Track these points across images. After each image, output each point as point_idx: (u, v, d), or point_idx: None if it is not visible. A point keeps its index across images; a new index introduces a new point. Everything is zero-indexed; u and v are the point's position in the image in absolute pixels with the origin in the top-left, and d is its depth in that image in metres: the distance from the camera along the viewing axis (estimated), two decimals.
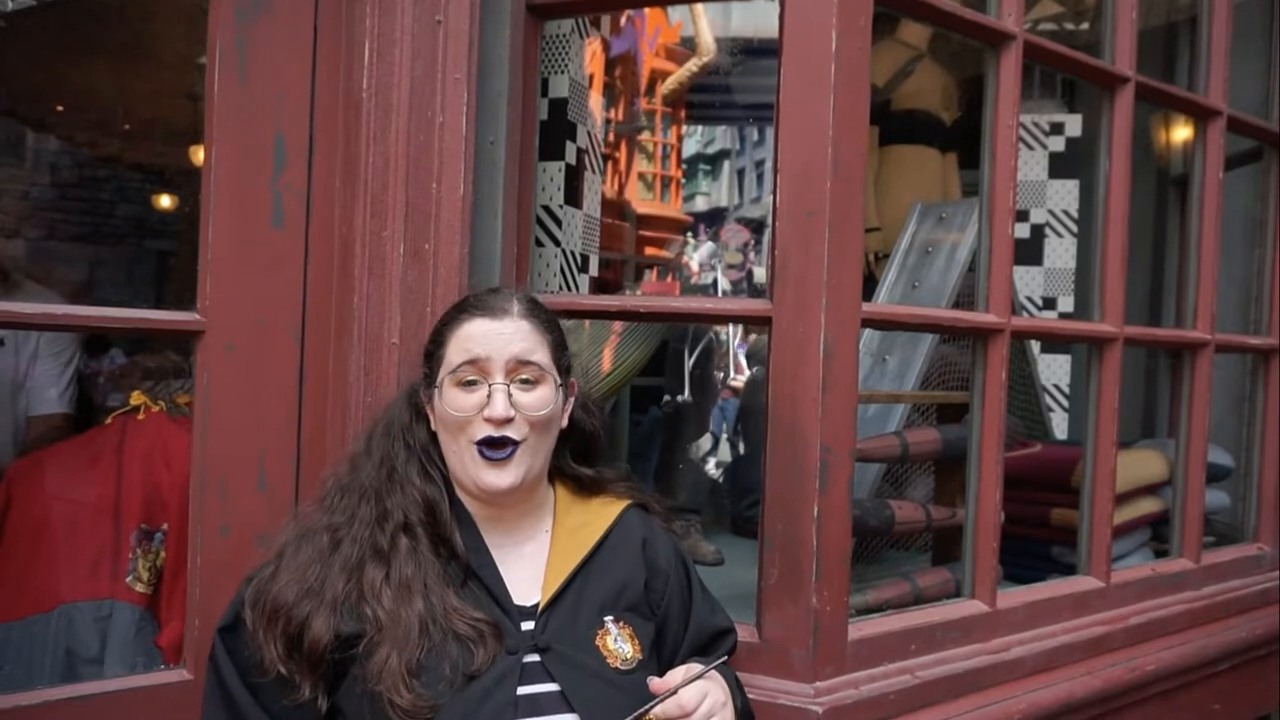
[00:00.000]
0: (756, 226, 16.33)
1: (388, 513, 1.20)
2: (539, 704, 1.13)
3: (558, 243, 2.14)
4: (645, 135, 5.42)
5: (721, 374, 8.91)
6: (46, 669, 1.86)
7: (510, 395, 1.18)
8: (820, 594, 1.51)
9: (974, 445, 1.83)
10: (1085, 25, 3.58)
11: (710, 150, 22.10)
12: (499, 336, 1.20)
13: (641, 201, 5.29)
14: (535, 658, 1.16)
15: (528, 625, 1.18)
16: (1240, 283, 2.68)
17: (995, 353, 1.81)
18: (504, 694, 1.12)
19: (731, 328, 9.60)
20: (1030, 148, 3.30)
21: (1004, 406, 1.81)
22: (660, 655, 1.28)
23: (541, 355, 1.22)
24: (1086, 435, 2.06)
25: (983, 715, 1.66)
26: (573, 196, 2.21)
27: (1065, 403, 3.15)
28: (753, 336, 10.14)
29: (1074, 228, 3.26)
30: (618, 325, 2.40)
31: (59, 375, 2.45)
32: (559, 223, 2.15)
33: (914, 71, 3.53)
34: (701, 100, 5.95)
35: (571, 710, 1.13)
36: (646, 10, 4.69)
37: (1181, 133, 3.49)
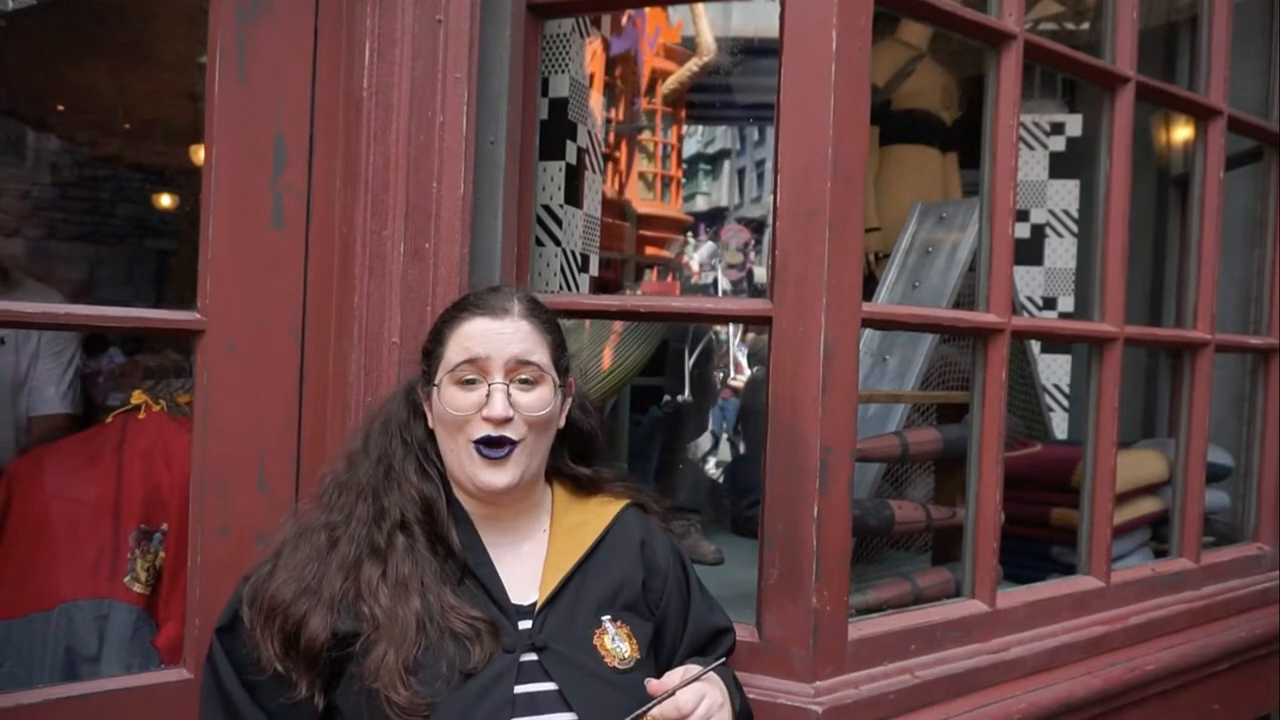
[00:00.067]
0: (757, 226, 16.33)
1: (385, 511, 1.20)
2: (536, 703, 1.13)
3: (558, 242, 2.14)
4: (646, 135, 5.42)
5: (721, 374, 8.91)
6: (47, 667, 1.86)
7: (509, 395, 1.18)
8: (820, 594, 1.51)
9: (974, 445, 1.83)
10: (1086, 25, 3.58)
11: (711, 150, 22.10)
12: (499, 336, 1.20)
13: (642, 201, 5.29)
14: (532, 656, 1.16)
15: (525, 624, 1.18)
16: (1240, 283, 2.68)
17: (995, 352, 1.81)
18: (501, 692, 1.12)
19: (731, 327, 9.60)
20: (1031, 147, 3.30)
21: (1004, 406, 1.81)
22: (658, 655, 1.28)
23: (541, 356, 1.22)
24: (1086, 435, 2.06)
25: (982, 715, 1.66)
26: (573, 196, 2.21)
27: (1065, 402, 3.15)
28: (750, 335, 10.14)
29: (1074, 228, 3.26)
30: (618, 325, 2.40)
31: (61, 375, 2.45)
32: (559, 222, 2.15)
33: (914, 71, 3.53)
34: (702, 100, 5.95)
35: (569, 709, 1.13)
36: (647, 10, 4.70)
37: (1182, 132, 3.49)
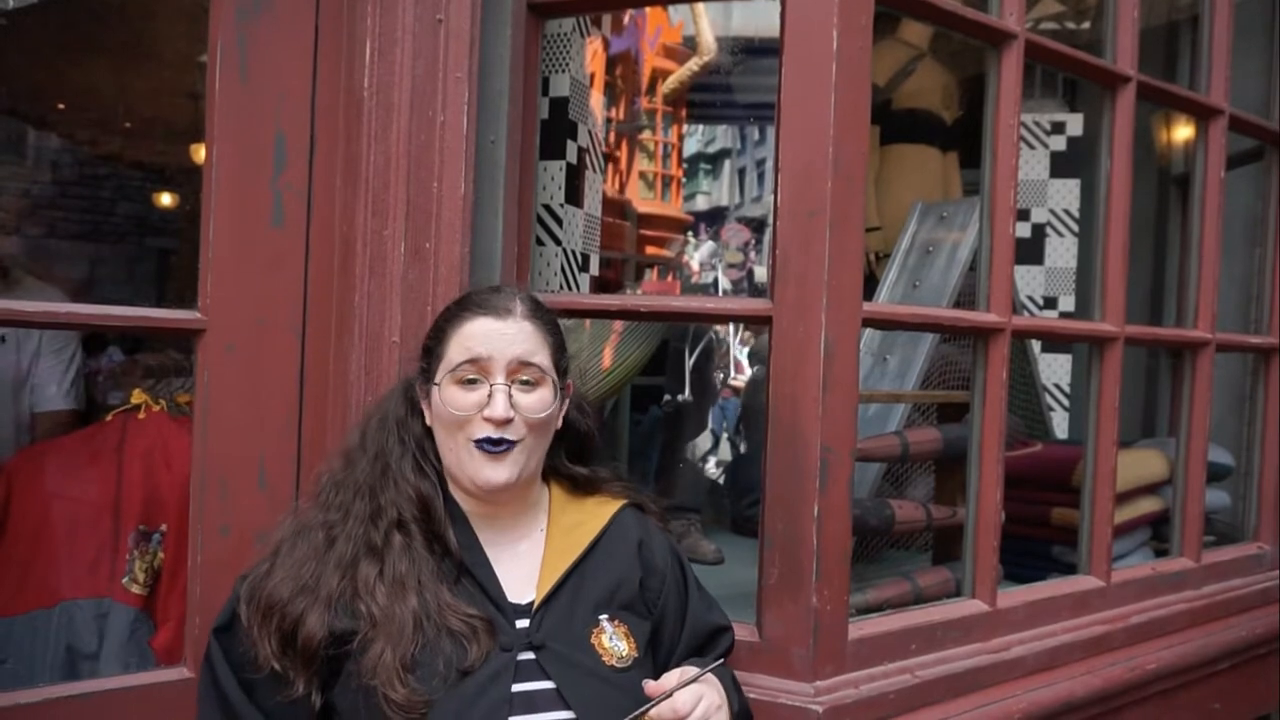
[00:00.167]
0: (757, 226, 16.34)
1: (381, 509, 1.20)
2: (534, 701, 1.13)
3: (558, 241, 2.14)
4: (646, 134, 5.42)
5: (721, 374, 8.91)
6: (47, 664, 1.87)
7: (510, 396, 1.18)
8: (820, 593, 1.51)
9: (974, 444, 1.83)
10: (1086, 24, 3.58)
11: (711, 149, 22.09)
12: (502, 337, 1.20)
13: (642, 200, 5.29)
14: (530, 655, 1.16)
15: (522, 623, 1.18)
16: (1241, 282, 2.67)
17: (996, 352, 1.81)
18: (499, 691, 1.12)
19: (731, 327, 9.60)
20: (1031, 147, 3.30)
21: (1004, 406, 1.81)
22: (656, 654, 1.28)
23: (543, 357, 1.22)
24: (1087, 434, 2.06)
25: (983, 714, 1.66)
26: (573, 195, 2.21)
27: (1066, 402, 3.15)
28: (748, 334, 10.14)
29: (1075, 227, 3.26)
30: (618, 324, 2.40)
31: (63, 372, 2.46)
32: (560, 222, 2.15)
33: (915, 71, 3.53)
34: (702, 99, 5.95)
35: (567, 707, 1.13)
36: (648, 9, 4.70)
37: (1183, 132, 3.49)
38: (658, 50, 5.25)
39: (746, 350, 10.25)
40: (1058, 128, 3.32)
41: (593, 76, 2.72)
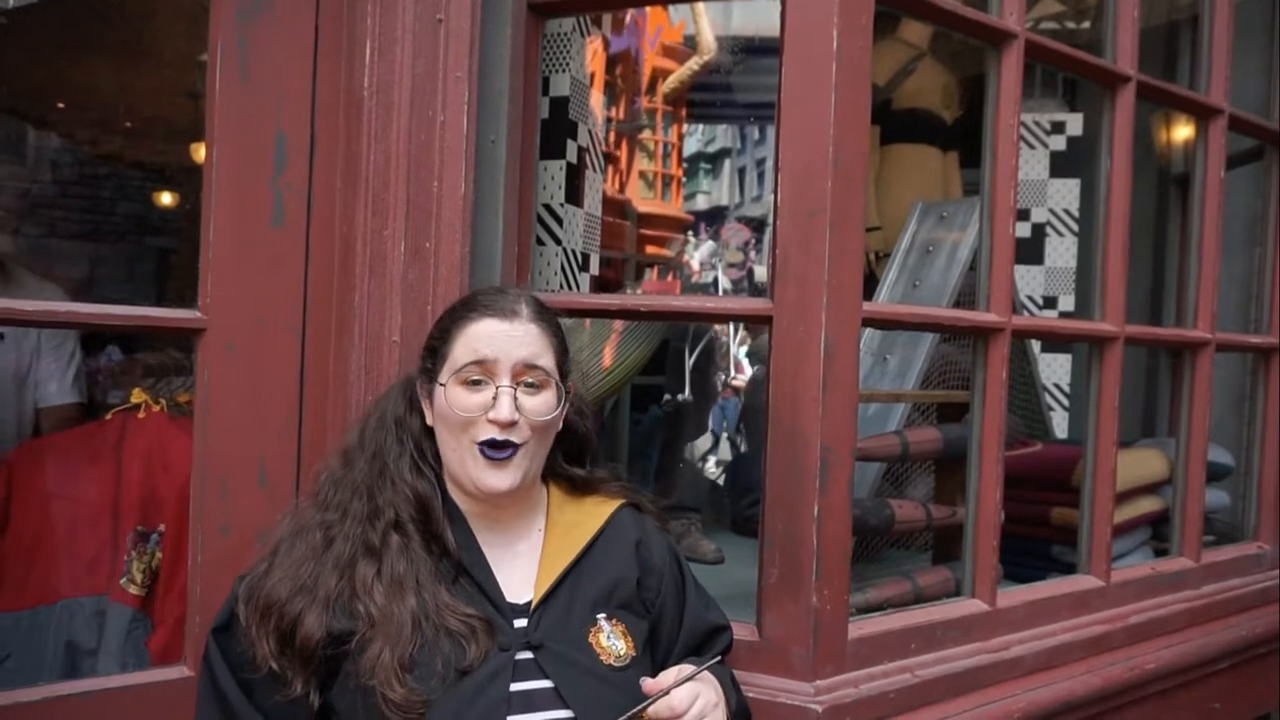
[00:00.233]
0: (757, 225, 16.33)
1: (379, 509, 1.20)
2: (532, 700, 1.13)
3: (559, 241, 2.14)
4: (646, 134, 5.42)
5: (722, 374, 8.91)
6: (48, 661, 1.88)
7: (515, 398, 1.18)
8: (820, 593, 1.51)
9: (974, 444, 1.83)
10: (1086, 24, 3.58)
11: (711, 149, 22.09)
12: (508, 339, 1.20)
13: (642, 200, 5.29)
14: (528, 654, 1.16)
15: (520, 623, 1.18)
16: (1241, 282, 2.67)
17: (996, 352, 1.81)
18: (497, 690, 1.12)
19: (731, 327, 9.60)
20: (1031, 147, 3.30)
21: (1004, 405, 1.81)
22: (655, 653, 1.28)
23: (547, 360, 1.22)
24: (1087, 434, 2.06)
25: (982, 714, 1.66)
26: (574, 195, 2.21)
27: (1065, 402, 3.15)
28: (744, 333, 10.14)
29: (1075, 227, 3.26)
30: (618, 324, 2.40)
31: (65, 367, 2.47)
32: (560, 221, 2.15)
33: (915, 70, 3.53)
34: (702, 99, 5.95)
35: (565, 706, 1.13)
36: (648, 9, 4.69)
37: (1183, 131, 3.49)
38: (658, 50, 5.25)
39: (745, 350, 10.26)
40: (1058, 127, 3.32)
41: (593, 76, 2.72)
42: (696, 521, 2.69)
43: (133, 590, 1.92)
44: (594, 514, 1.31)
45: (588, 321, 2.28)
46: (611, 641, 1.20)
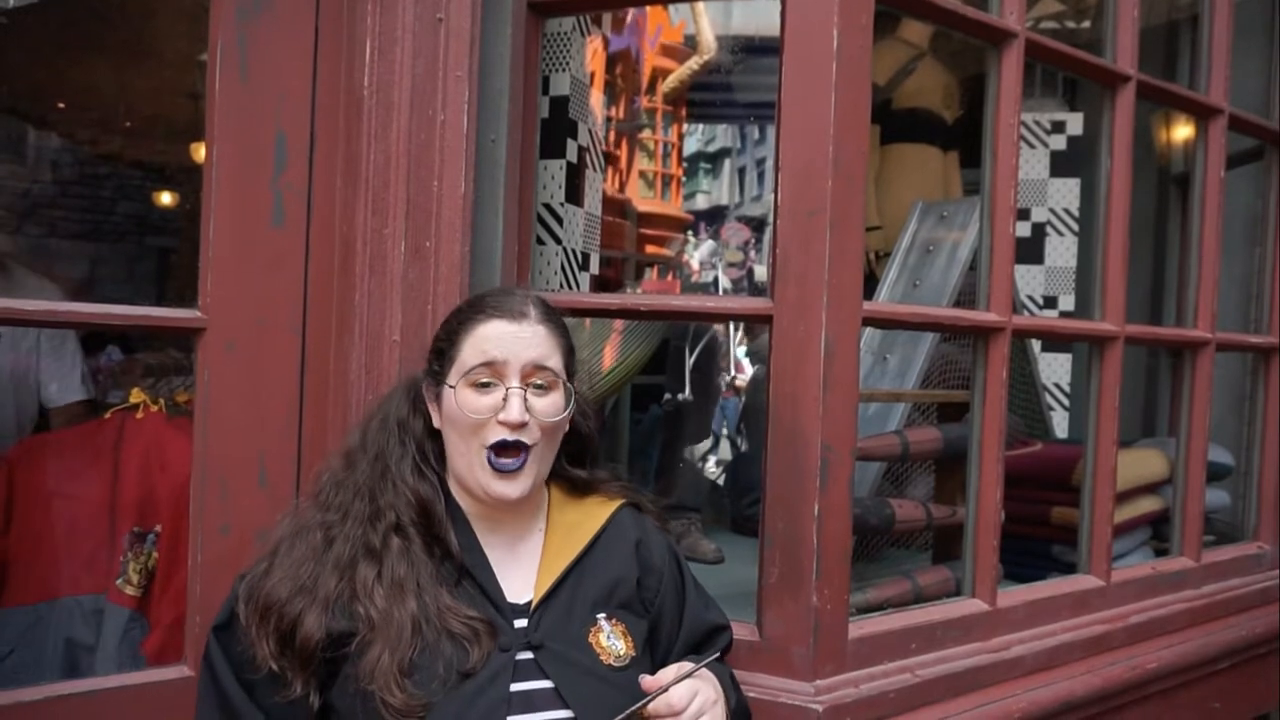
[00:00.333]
0: (757, 225, 16.34)
1: (380, 511, 1.20)
2: (532, 700, 1.13)
3: (559, 240, 2.14)
4: (646, 133, 5.42)
5: (726, 375, 8.92)
6: (50, 658, 1.90)
7: (525, 400, 1.18)
8: (820, 592, 1.51)
9: (974, 444, 1.83)
10: (1087, 24, 3.58)
11: (711, 148, 22.09)
12: (517, 340, 1.19)
13: (642, 200, 5.28)
14: (528, 655, 1.16)
15: (521, 623, 1.18)
16: (1241, 281, 2.67)
17: (996, 351, 1.81)
18: (497, 690, 1.12)
19: (731, 327, 9.60)
20: (1031, 146, 3.30)
21: (1005, 405, 1.81)
22: (654, 652, 1.28)
23: (556, 361, 1.22)
24: (1087, 434, 2.06)
25: (983, 714, 1.66)
26: (574, 194, 2.21)
27: (1066, 401, 3.15)
28: (741, 334, 10.15)
29: (1075, 226, 3.26)
30: (618, 323, 2.40)
31: (70, 367, 2.47)
32: (560, 220, 2.15)
33: (915, 70, 3.53)
34: (702, 98, 5.95)
35: (565, 706, 1.13)
36: (648, 8, 4.69)
37: (1183, 131, 3.49)
38: (658, 49, 5.25)
39: (744, 349, 10.26)
40: (1058, 127, 3.32)
41: (593, 75, 2.72)
42: (696, 521, 2.69)
43: (129, 591, 1.92)
44: (594, 514, 1.31)
45: (588, 321, 2.28)
46: (611, 641, 1.20)
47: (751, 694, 1.39)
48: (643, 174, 5.48)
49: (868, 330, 2.42)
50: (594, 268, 2.34)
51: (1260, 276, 2.60)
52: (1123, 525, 2.24)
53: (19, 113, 5.38)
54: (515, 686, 1.13)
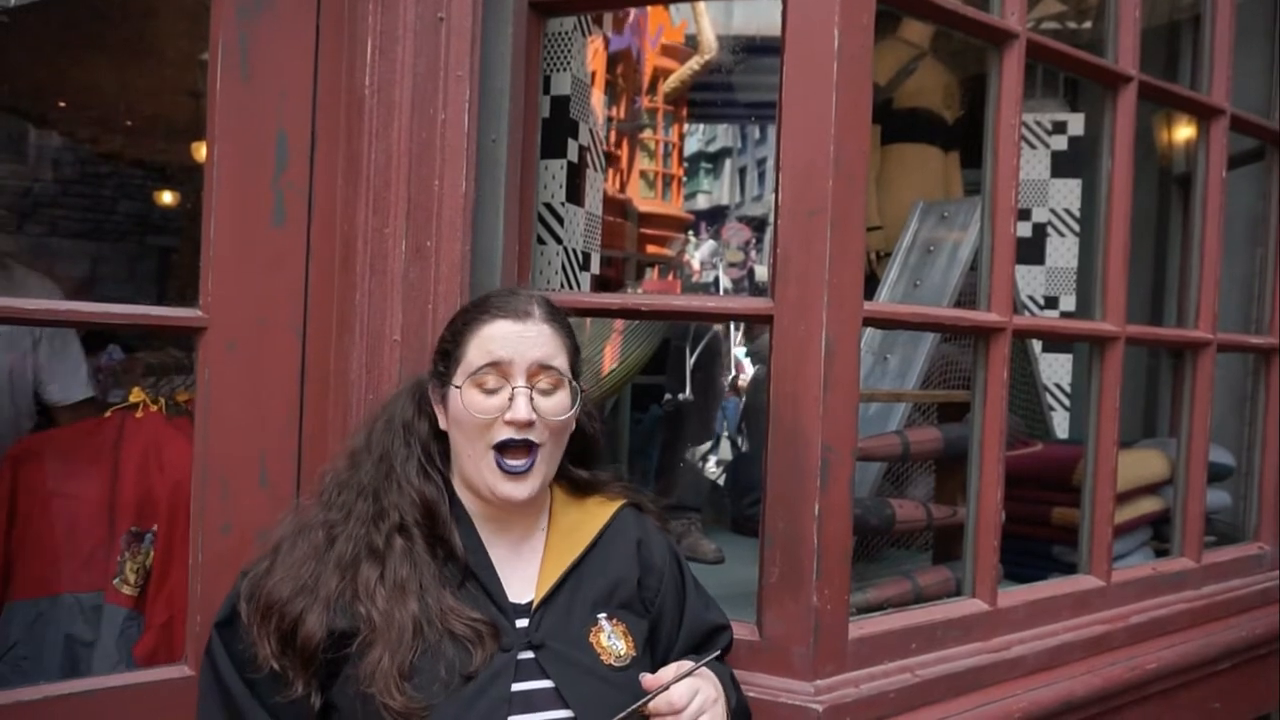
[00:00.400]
0: (758, 225, 16.33)
1: (384, 512, 1.20)
2: (533, 700, 1.13)
3: (559, 240, 2.14)
4: (647, 133, 5.41)
5: (729, 375, 8.91)
6: (50, 652, 1.92)
7: (531, 399, 1.18)
8: (821, 592, 1.51)
9: (975, 444, 1.83)
10: (1088, 24, 3.58)
11: (712, 148, 22.08)
12: (522, 340, 1.20)
13: (643, 199, 5.28)
14: (529, 654, 1.16)
15: (522, 622, 1.19)
16: (1242, 282, 2.67)
17: (997, 352, 1.81)
18: (499, 690, 1.12)
19: (731, 327, 9.60)
20: (1032, 146, 3.30)
21: (1005, 405, 1.81)
22: (654, 652, 1.28)
23: (561, 361, 1.22)
24: (1088, 434, 2.06)
25: (983, 714, 1.66)
26: (574, 194, 2.21)
27: (1066, 402, 3.14)
28: (741, 334, 10.15)
29: (1076, 227, 3.25)
30: (619, 323, 2.40)
31: (74, 366, 2.47)
32: (561, 220, 2.15)
33: (916, 70, 3.53)
34: (703, 98, 5.95)
35: (565, 706, 1.13)
36: (649, 8, 4.69)
37: (1184, 132, 3.49)
38: (659, 49, 5.24)
39: (744, 350, 10.26)
40: (1059, 127, 3.32)
41: (594, 75, 2.72)
42: (697, 521, 2.69)
43: (125, 590, 1.93)
44: (596, 514, 1.31)
45: (588, 321, 2.28)
46: (612, 641, 1.20)
47: (751, 694, 1.39)
48: (644, 174, 5.48)
49: (868, 330, 2.42)
50: (595, 267, 2.34)
51: (1261, 277, 2.60)
52: (1123, 526, 2.24)
53: (20, 111, 5.38)
54: (516, 686, 1.13)
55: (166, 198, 7.02)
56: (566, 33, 2.15)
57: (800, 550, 1.52)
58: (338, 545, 1.18)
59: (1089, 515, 2.04)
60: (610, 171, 4.64)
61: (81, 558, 1.96)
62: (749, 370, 9.43)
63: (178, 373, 2.21)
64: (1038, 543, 2.36)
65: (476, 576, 1.20)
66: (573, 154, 2.20)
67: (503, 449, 1.18)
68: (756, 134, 20.33)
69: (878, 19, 1.56)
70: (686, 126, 6.31)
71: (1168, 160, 3.62)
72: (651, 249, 5.17)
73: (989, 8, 1.82)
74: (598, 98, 3.15)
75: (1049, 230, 3.28)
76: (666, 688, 1.11)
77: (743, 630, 1.52)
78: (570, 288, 2.17)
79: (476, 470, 1.20)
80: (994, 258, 1.83)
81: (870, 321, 1.66)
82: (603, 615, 1.23)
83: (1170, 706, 2.04)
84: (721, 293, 12.99)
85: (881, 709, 1.56)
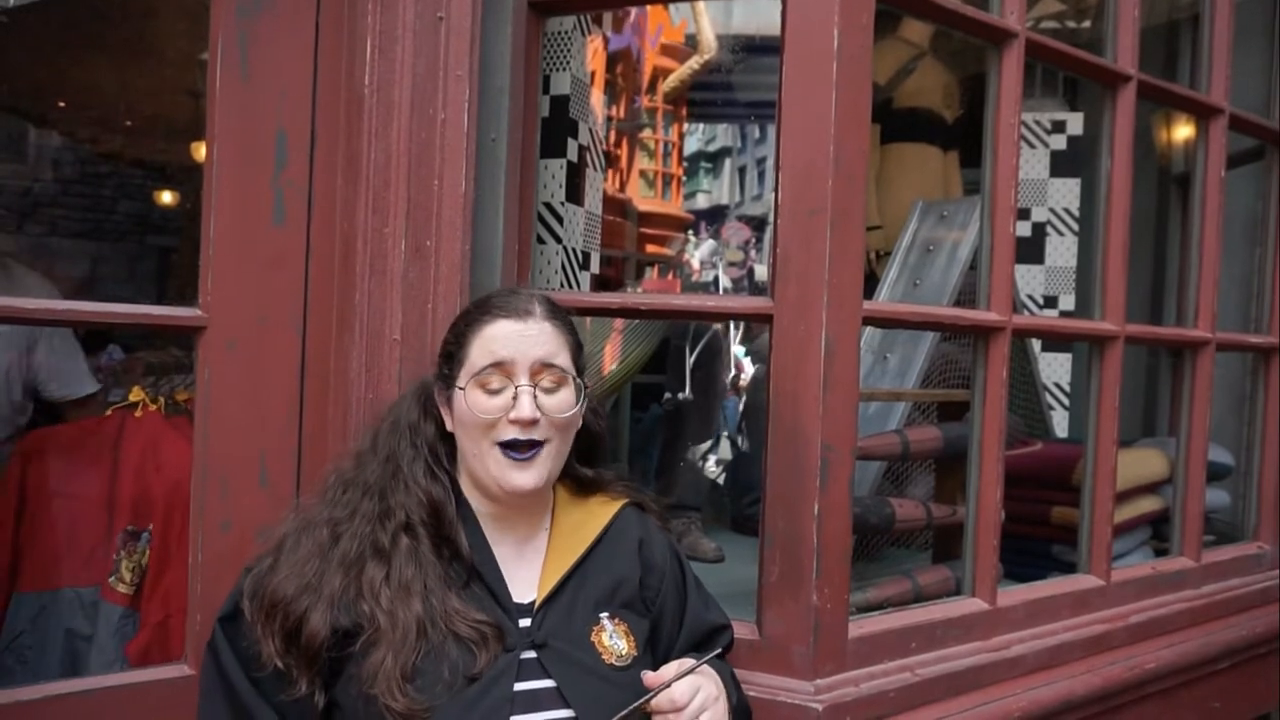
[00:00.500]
0: (758, 224, 16.31)
1: (390, 510, 1.20)
2: (535, 700, 1.13)
3: (559, 240, 2.14)
4: (647, 133, 5.41)
5: (731, 373, 8.91)
6: (51, 645, 1.95)
7: (535, 398, 1.18)
8: (821, 591, 1.51)
9: (975, 443, 1.83)
10: (1087, 23, 3.58)
11: (711, 148, 22.07)
12: (523, 339, 1.20)
13: (643, 199, 5.27)
14: (532, 654, 1.16)
15: (525, 622, 1.19)
16: (1241, 281, 2.67)
17: (996, 351, 1.81)
18: (501, 690, 1.12)
19: (732, 326, 9.59)
20: (1032, 146, 3.30)
21: (1005, 404, 1.81)
22: (655, 652, 1.28)
23: (564, 358, 1.22)
24: (1087, 433, 2.06)
25: (982, 713, 1.66)
26: (574, 193, 2.21)
27: (1066, 401, 3.15)
28: (740, 334, 10.14)
29: (1075, 226, 3.26)
30: (619, 322, 2.40)
31: (77, 362, 2.47)
32: (560, 220, 2.15)
33: (916, 69, 3.53)
34: (703, 98, 5.94)
35: (567, 706, 1.14)
36: (649, 8, 4.69)
37: (1183, 131, 3.49)
38: (658, 49, 5.24)
39: (743, 350, 10.25)
40: (1058, 127, 3.32)
41: (593, 75, 2.72)
42: (697, 520, 2.69)
43: (120, 589, 1.94)
44: (598, 514, 1.31)
45: (588, 320, 2.28)
46: (614, 641, 1.20)
47: (752, 693, 1.39)
48: (643, 173, 5.48)
49: (868, 329, 2.42)
50: (594, 267, 2.34)
51: (1260, 276, 2.60)
52: (1123, 525, 2.24)
53: (20, 111, 5.38)
54: (519, 686, 1.13)
55: (166, 198, 7.02)
56: (566, 32, 2.15)
57: (800, 549, 1.52)
58: (342, 543, 1.18)
59: (1088, 514, 2.04)
60: (610, 171, 4.64)
61: (82, 554, 1.98)
62: (749, 370, 9.42)
63: (178, 372, 2.21)
64: (1037, 542, 2.36)
65: (482, 577, 1.20)
66: (572, 153, 2.20)
67: (507, 446, 1.18)
68: (756, 133, 20.32)
69: (877, 18, 1.56)
70: (686, 126, 6.30)
71: (1167, 160, 3.63)
72: (651, 248, 5.17)
73: (988, 7, 1.82)
74: (597, 97, 3.15)
75: (1048, 229, 3.28)
76: (668, 685, 1.12)
77: (743, 629, 1.52)
78: (570, 287, 2.17)
79: (483, 466, 1.20)
80: (993, 257, 1.83)
81: (870, 321, 1.66)
82: (605, 615, 1.23)
83: (1170, 706, 2.04)
84: (721, 292, 12.98)
85: (881, 708, 1.56)
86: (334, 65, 1.56)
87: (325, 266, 1.56)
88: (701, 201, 20.27)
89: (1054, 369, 3.18)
